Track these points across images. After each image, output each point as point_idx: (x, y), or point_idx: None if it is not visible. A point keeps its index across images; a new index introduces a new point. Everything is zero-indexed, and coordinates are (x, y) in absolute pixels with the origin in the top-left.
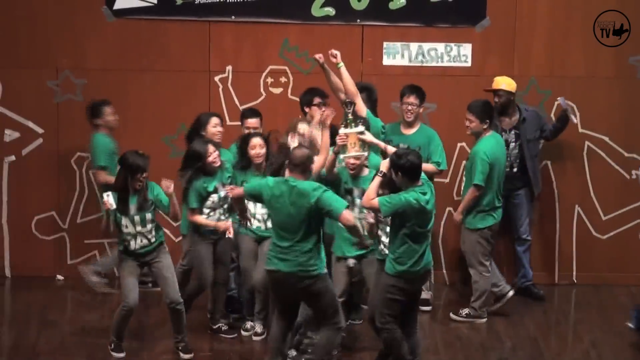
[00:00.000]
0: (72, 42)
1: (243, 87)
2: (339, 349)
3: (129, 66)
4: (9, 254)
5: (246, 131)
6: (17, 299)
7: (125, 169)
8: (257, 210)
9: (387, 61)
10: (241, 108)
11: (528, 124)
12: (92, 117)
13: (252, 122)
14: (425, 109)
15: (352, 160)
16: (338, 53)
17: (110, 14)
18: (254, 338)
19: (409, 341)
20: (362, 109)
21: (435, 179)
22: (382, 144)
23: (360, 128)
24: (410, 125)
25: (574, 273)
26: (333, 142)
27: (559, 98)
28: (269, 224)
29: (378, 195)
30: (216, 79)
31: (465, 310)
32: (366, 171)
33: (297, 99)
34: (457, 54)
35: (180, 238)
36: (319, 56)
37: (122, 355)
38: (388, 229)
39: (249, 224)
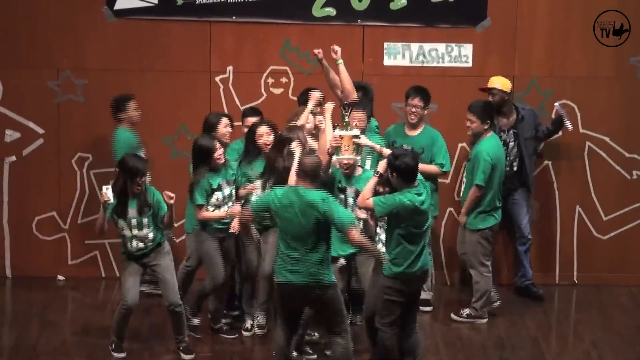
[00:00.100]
0: (72, 42)
1: (244, 87)
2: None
3: (130, 66)
4: (9, 254)
5: (246, 129)
6: (18, 299)
7: (124, 172)
8: None
9: (387, 61)
10: (242, 108)
11: (525, 122)
12: (116, 111)
13: (253, 120)
14: (427, 110)
15: (344, 161)
16: (339, 49)
17: (111, 14)
18: (257, 331)
19: (408, 341)
20: None
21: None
22: (377, 147)
23: (356, 131)
24: (414, 126)
25: (575, 273)
26: None
27: (556, 103)
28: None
29: (380, 193)
30: (217, 79)
31: (466, 311)
32: (359, 170)
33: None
34: (458, 54)
35: (181, 238)
36: (317, 51)
37: (122, 355)
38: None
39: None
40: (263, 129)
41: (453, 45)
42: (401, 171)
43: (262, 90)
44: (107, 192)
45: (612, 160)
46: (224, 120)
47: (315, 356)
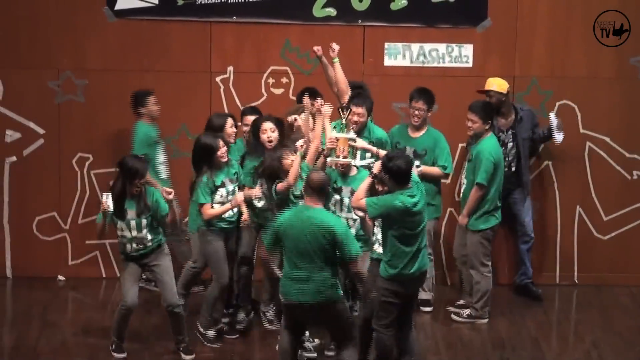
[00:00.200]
0: (73, 42)
1: (244, 87)
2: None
3: (130, 67)
4: (10, 255)
5: (245, 128)
6: (18, 300)
7: (123, 173)
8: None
9: (388, 62)
10: (241, 108)
11: (523, 123)
12: (137, 105)
13: (252, 119)
14: (431, 112)
15: (340, 162)
16: (337, 47)
17: (111, 15)
18: (268, 327)
19: (405, 340)
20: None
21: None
22: (374, 149)
23: (352, 135)
24: (417, 128)
25: (575, 273)
26: None
27: (550, 113)
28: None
29: (379, 192)
30: (217, 79)
31: (467, 311)
32: (355, 170)
33: None
34: (459, 55)
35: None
36: (317, 49)
37: (123, 355)
38: None
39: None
40: (267, 125)
41: (453, 45)
42: (393, 173)
43: (263, 90)
44: (107, 200)
45: (613, 160)
46: (230, 121)
47: (315, 354)
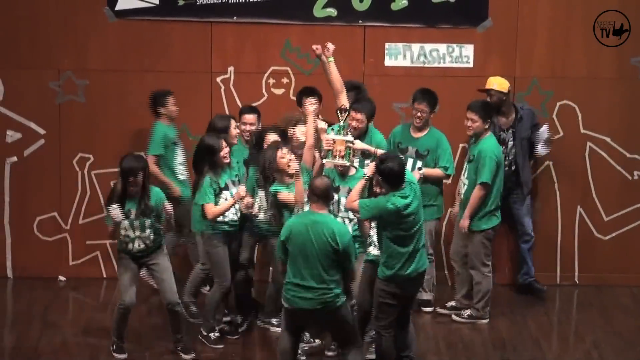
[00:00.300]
0: (73, 43)
1: (245, 88)
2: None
3: (131, 67)
4: (10, 255)
5: (243, 127)
6: (19, 300)
7: (120, 172)
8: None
9: (388, 62)
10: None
11: (523, 123)
12: (156, 105)
13: (250, 117)
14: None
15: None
16: (332, 46)
17: (112, 15)
18: (272, 330)
19: (403, 337)
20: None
21: None
22: (372, 149)
23: (349, 137)
24: (420, 128)
25: (576, 274)
26: None
27: (544, 125)
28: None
29: (377, 194)
30: (218, 79)
31: (468, 312)
32: (353, 170)
33: None
34: (459, 55)
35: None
36: (315, 47)
37: (123, 356)
38: None
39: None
40: (272, 137)
41: (454, 45)
42: (385, 175)
43: (263, 90)
44: (115, 212)
45: (613, 160)
46: (233, 122)
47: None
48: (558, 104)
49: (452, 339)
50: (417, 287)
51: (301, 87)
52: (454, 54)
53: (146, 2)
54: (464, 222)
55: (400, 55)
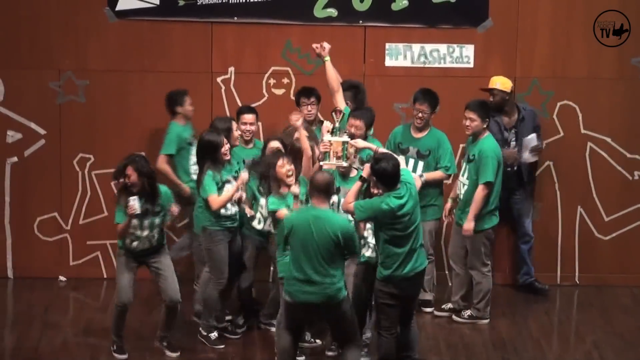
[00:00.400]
0: (74, 43)
1: (245, 88)
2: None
3: (131, 67)
4: (11, 255)
5: (243, 127)
6: (19, 300)
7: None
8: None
9: (389, 62)
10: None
11: (525, 123)
12: (173, 105)
13: (249, 117)
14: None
15: (334, 165)
16: (328, 46)
17: (112, 15)
18: (273, 330)
19: (405, 337)
20: (341, 105)
21: None
22: (373, 147)
23: (345, 138)
24: (420, 128)
25: (576, 274)
26: None
27: (533, 134)
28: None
29: (374, 195)
30: (218, 80)
31: (468, 312)
32: (355, 172)
33: None
34: (460, 55)
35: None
36: (315, 46)
37: (124, 356)
38: None
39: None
40: (274, 144)
41: (454, 46)
42: (379, 175)
43: (264, 90)
44: (134, 203)
45: (614, 160)
46: (234, 124)
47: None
48: (558, 104)
49: (452, 339)
50: (416, 287)
51: (301, 87)
52: (455, 54)
53: (146, 2)
54: (469, 225)
55: (401, 55)
